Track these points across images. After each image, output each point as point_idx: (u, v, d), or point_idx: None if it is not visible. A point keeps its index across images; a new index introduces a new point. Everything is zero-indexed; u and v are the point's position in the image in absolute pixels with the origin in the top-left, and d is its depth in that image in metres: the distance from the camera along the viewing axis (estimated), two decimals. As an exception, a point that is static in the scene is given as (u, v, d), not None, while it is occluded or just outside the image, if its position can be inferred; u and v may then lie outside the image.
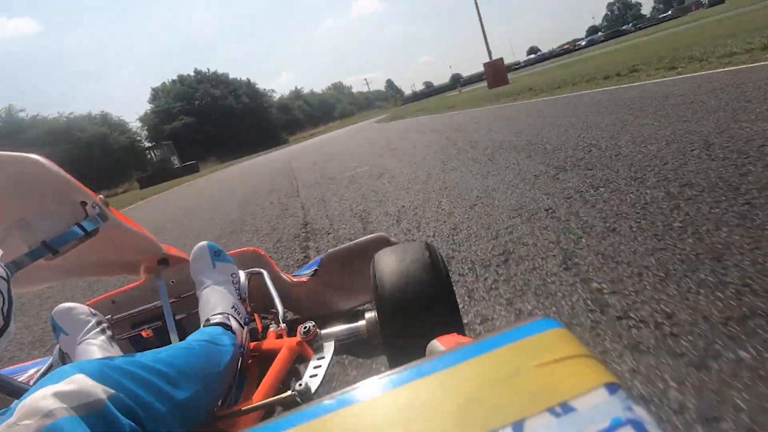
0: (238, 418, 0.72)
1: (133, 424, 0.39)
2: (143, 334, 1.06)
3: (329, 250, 1.14)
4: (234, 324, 0.84)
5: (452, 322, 0.76)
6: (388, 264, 0.81)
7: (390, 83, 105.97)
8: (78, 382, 0.37)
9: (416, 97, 67.20)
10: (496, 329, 0.26)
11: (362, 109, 75.68)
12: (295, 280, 1.17)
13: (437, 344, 0.62)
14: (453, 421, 0.20)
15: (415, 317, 0.74)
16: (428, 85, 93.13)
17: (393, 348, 0.77)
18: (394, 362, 0.78)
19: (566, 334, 0.24)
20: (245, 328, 0.89)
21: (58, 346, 0.94)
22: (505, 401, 0.21)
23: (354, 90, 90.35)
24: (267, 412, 0.74)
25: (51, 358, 0.97)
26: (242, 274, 1.03)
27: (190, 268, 0.97)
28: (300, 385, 0.73)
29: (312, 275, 1.16)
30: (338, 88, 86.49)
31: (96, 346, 0.90)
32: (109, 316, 1.04)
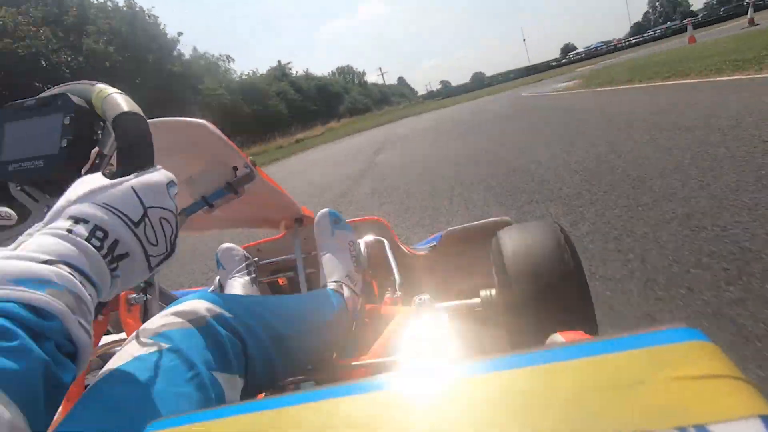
0: (352, 370, 0.78)
1: (234, 339, 0.46)
2: (279, 281, 1.21)
3: (450, 228, 1.14)
4: (346, 291, 0.89)
5: (582, 310, 0.70)
6: (515, 242, 0.77)
7: (402, 80, 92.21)
8: (191, 304, 0.46)
9: (433, 95, 57.75)
10: (625, 331, 0.23)
11: (379, 104, 55.58)
12: (413, 252, 1.20)
13: (558, 337, 0.59)
14: (557, 417, 0.19)
15: (543, 301, 0.70)
16: (445, 84, 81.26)
17: (514, 331, 0.75)
18: (514, 344, 0.76)
19: (713, 349, 0.20)
20: (360, 296, 0.94)
21: (218, 277, 1.15)
22: (623, 409, 0.19)
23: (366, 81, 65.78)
24: (376, 369, 0.79)
25: (212, 287, 1.18)
26: (362, 243, 1.09)
27: (313, 232, 1.07)
28: (418, 351, 0.76)
29: (430, 250, 1.18)
30: (346, 74, 61.35)
31: (240, 284, 1.07)
32: (255, 259, 1.22)
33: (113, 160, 0.48)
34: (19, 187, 0.51)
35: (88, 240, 0.35)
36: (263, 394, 0.68)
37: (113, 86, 0.51)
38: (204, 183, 0.74)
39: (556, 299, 0.70)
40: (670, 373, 0.19)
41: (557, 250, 0.73)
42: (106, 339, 0.62)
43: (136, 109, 0.49)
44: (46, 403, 0.29)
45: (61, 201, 0.38)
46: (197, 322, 0.44)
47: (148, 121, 0.49)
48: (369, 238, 1.18)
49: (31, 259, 0.31)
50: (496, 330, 1.10)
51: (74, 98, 0.49)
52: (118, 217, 0.37)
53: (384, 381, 0.23)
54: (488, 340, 1.10)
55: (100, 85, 0.51)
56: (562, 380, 0.21)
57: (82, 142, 0.48)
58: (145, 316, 0.66)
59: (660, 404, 0.18)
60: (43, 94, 0.52)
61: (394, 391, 0.22)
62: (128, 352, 0.40)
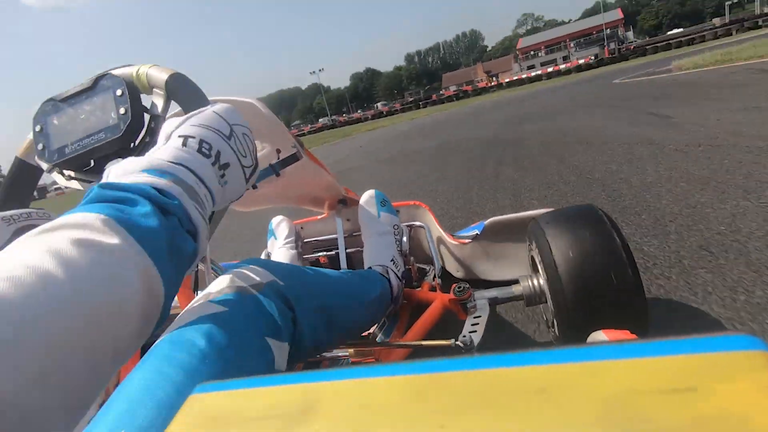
0: (390, 349, 0.80)
1: (284, 307, 0.49)
2: (321, 259, 1.24)
3: (493, 217, 1.11)
4: (392, 277, 0.90)
5: (632, 304, 0.67)
6: (554, 230, 0.74)
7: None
8: (248, 270, 0.49)
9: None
10: (675, 334, 0.21)
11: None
12: (454, 241, 1.19)
13: (601, 335, 0.56)
14: (595, 418, 0.18)
15: (588, 294, 0.68)
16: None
17: (556, 324, 0.73)
18: (555, 337, 0.75)
19: None
20: (402, 281, 0.95)
21: (266, 248, 1.20)
22: (668, 416, 0.18)
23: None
24: (416, 352, 0.80)
25: (262, 256, 1.23)
26: (404, 228, 1.09)
27: (358, 212, 1.07)
28: (463, 336, 0.76)
29: (472, 239, 1.16)
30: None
31: (287, 255, 1.12)
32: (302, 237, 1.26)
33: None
34: (67, 177, 0.55)
35: (198, 151, 0.41)
36: (302, 365, 0.70)
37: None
38: None
39: (601, 292, 0.67)
40: (724, 382, 0.18)
41: (601, 238, 0.70)
42: None
43: (177, 71, 0.53)
44: (172, 263, 0.35)
45: (166, 128, 0.44)
46: (253, 288, 0.47)
47: None
48: (411, 223, 1.18)
49: (159, 160, 0.38)
50: (535, 323, 1.08)
51: (118, 75, 0.53)
52: (215, 132, 0.44)
53: (418, 365, 0.23)
54: (529, 332, 1.07)
55: (136, 65, 0.55)
56: (603, 380, 0.20)
57: (137, 109, 0.52)
58: (196, 285, 0.70)
59: (710, 414, 0.17)
60: (85, 80, 0.55)
61: (427, 376, 0.23)
62: (190, 313, 0.43)
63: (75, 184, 0.56)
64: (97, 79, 0.53)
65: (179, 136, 0.42)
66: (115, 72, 0.55)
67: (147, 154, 0.41)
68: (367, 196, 1.06)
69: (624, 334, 0.57)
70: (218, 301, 0.44)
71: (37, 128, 0.53)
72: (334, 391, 0.21)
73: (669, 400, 0.18)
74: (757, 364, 0.19)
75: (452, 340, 0.75)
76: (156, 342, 0.40)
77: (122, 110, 0.51)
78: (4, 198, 0.58)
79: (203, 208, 0.39)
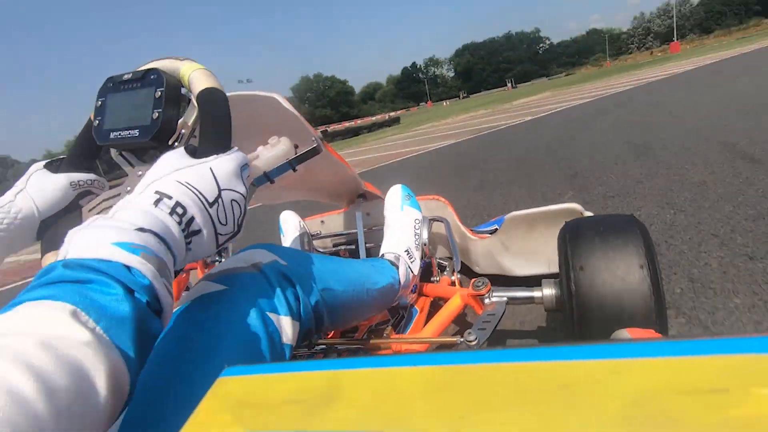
0: (404, 344, 0.80)
1: (286, 283, 0.51)
2: (340, 253, 1.25)
3: (514, 212, 1.10)
4: (402, 265, 0.90)
5: (654, 320, 0.64)
6: (585, 240, 0.72)
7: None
8: (251, 253, 0.52)
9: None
10: (708, 333, 0.21)
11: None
12: (474, 235, 1.18)
13: (625, 333, 0.55)
14: (619, 417, 0.18)
15: (611, 313, 0.66)
16: None
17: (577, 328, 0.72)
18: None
19: None
20: (415, 274, 0.94)
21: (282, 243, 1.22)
22: (696, 418, 0.17)
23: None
24: (429, 347, 0.80)
25: None
26: (426, 221, 1.09)
27: (383, 205, 1.07)
28: (469, 333, 0.75)
29: (491, 233, 1.15)
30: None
31: None
32: (318, 231, 1.27)
33: (196, 133, 0.52)
34: (118, 153, 0.57)
35: (170, 214, 0.38)
36: (322, 355, 0.71)
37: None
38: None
39: (625, 304, 0.66)
40: (760, 385, 0.18)
41: (633, 252, 0.67)
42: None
43: (219, 86, 0.51)
44: (140, 349, 0.33)
45: (150, 175, 0.41)
46: (253, 267, 0.50)
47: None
48: (431, 217, 1.18)
49: (128, 227, 0.35)
50: (555, 323, 1.06)
51: (165, 73, 0.53)
52: (197, 196, 0.41)
53: (440, 356, 0.23)
54: (548, 332, 1.06)
55: (189, 61, 0.54)
56: (628, 378, 0.20)
57: (169, 115, 0.52)
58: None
59: (745, 418, 0.17)
60: (139, 68, 0.56)
61: (448, 367, 0.23)
62: (193, 293, 0.47)
63: (120, 161, 0.58)
64: (146, 73, 0.53)
65: (156, 192, 0.39)
66: (165, 66, 0.54)
67: (117, 209, 0.38)
68: (392, 190, 1.08)
69: (649, 333, 0.56)
70: (221, 279, 0.48)
71: (98, 103, 0.55)
72: (356, 378, 0.21)
73: (698, 401, 0.18)
74: (794, 368, 0.18)
75: (458, 338, 0.74)
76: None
77: (155, 115, 0.51)
78: (70, 155, 0.60)
79: (170, 278, 0.37)
